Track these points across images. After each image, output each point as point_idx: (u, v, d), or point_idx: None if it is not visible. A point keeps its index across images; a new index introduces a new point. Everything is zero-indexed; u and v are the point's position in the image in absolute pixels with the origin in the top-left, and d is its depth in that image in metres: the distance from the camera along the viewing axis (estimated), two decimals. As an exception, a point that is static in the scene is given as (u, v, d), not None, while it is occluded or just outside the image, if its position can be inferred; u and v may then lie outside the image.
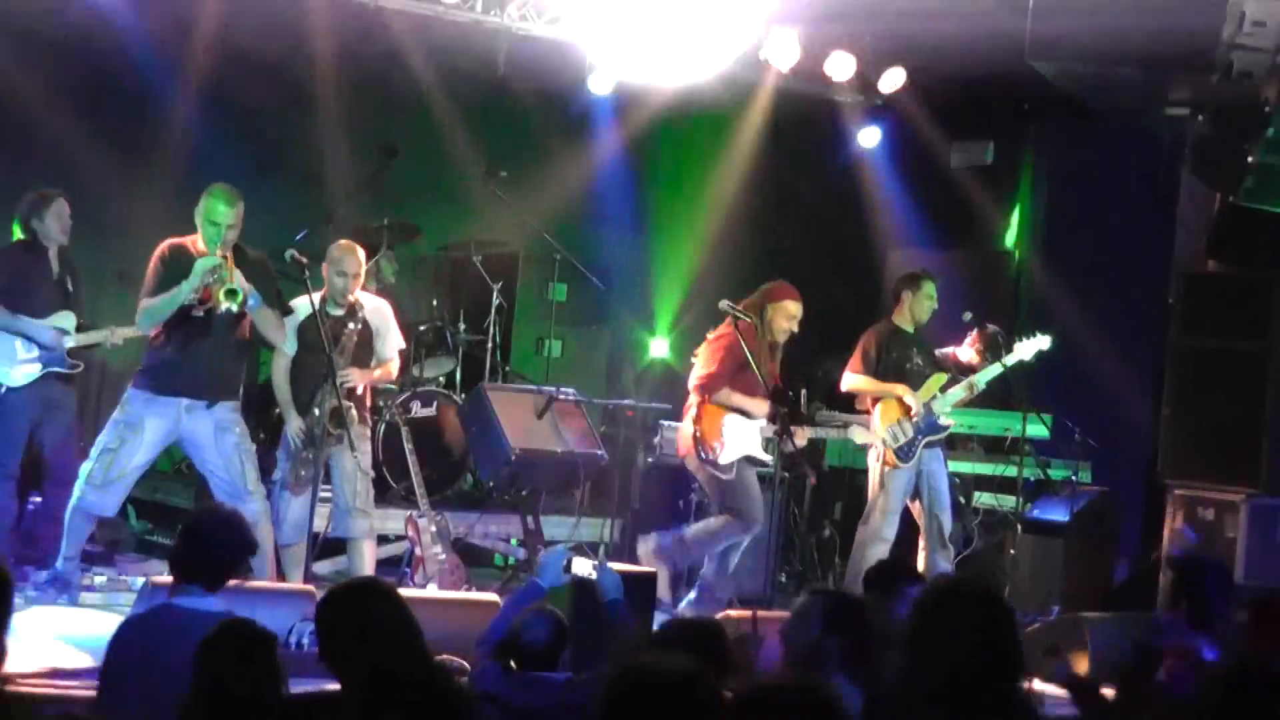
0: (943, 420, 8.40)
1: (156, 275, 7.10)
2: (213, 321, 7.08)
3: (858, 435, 8.41)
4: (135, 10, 8.88)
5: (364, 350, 7.56)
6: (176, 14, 9.14)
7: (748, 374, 7.97)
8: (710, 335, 8.29)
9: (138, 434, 7.09)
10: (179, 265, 7.07)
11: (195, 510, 7.31)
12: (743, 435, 8.09)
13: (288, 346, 7.44)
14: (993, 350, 8.64)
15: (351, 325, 7.48)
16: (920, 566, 8.28)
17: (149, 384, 7.15)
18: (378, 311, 7.71)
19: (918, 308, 8.50)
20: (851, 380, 8.48)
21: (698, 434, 8.08)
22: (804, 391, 9.36)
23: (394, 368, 7.83)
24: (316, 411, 7.30)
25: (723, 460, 8.05)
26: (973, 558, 9.42)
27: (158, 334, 7.16)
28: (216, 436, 7.18)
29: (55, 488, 7.72)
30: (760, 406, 8.02)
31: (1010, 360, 8.47)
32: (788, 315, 8.07)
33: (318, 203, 9.78)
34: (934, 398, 8.36)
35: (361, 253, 7.63)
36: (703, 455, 8.08)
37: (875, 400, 8.42)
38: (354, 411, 7.34)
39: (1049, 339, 8.56)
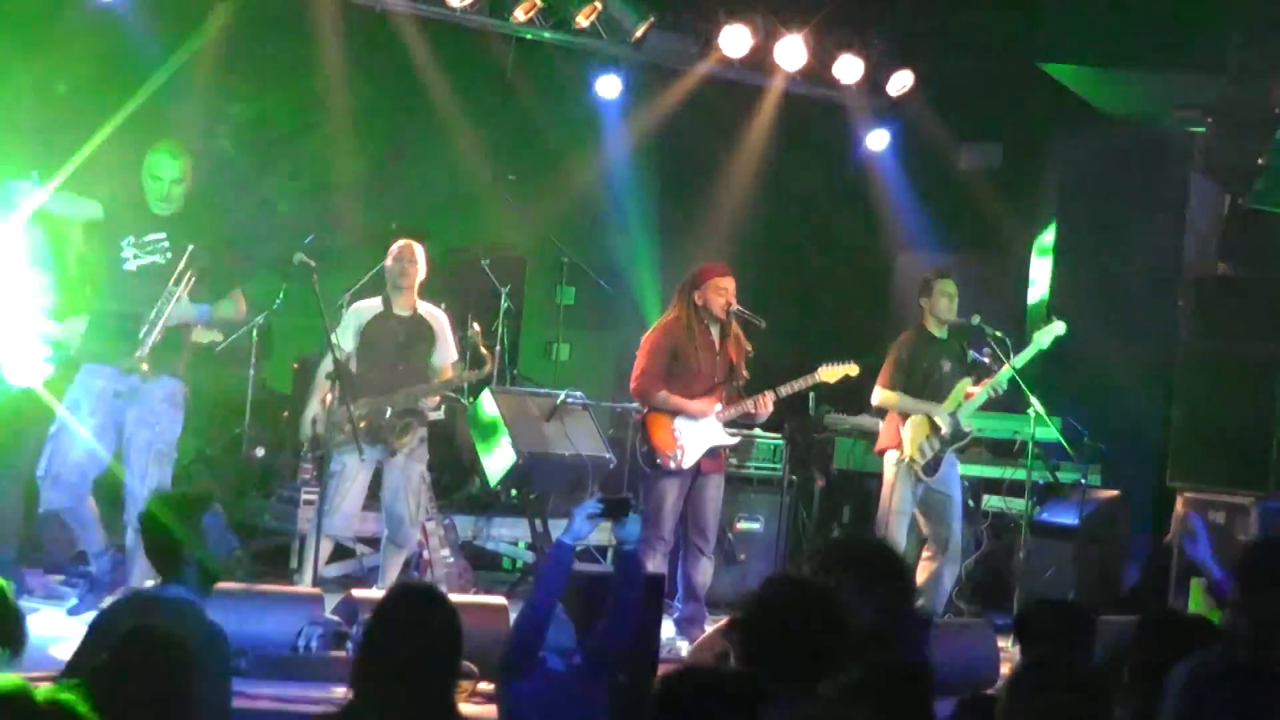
0: (965, 428, 8.26)
1: None
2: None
3: (828, 375, 8.11)
4: (143, 10, 8.88)
5: (424, 357, 7.67)
6: (185, 15, 9.14)
7: (682, 364, 7.79)
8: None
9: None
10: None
11: None
12: (700, 429, 7.82)
13: (346, 344, 7.43)
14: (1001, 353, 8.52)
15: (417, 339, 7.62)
16: (920, 577, 8.04)
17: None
18: (436, 319, 7.77)
19: (938, 308, 8.32)
20: (882, 396, 8.28)
21: (648, 450, 7.78)
22: (811, 395, 9.32)
23: (451, 372, 7.84)
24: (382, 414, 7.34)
25: (686, 463, 7.78)
26: (983, 561, 9.42)
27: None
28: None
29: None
30: (701, 405, 7.80)
31: (1023, 357, 8.30)
32: (720, 290, 7.82)
33: (326, 206, 9.76)
34: (959, 406, 8.23)
35: (420, 253, 7.65)
36: (660, 465, 7.75)
37: (905, 415, 8.25)
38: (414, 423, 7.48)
39: (1063, 324, 8.42)
